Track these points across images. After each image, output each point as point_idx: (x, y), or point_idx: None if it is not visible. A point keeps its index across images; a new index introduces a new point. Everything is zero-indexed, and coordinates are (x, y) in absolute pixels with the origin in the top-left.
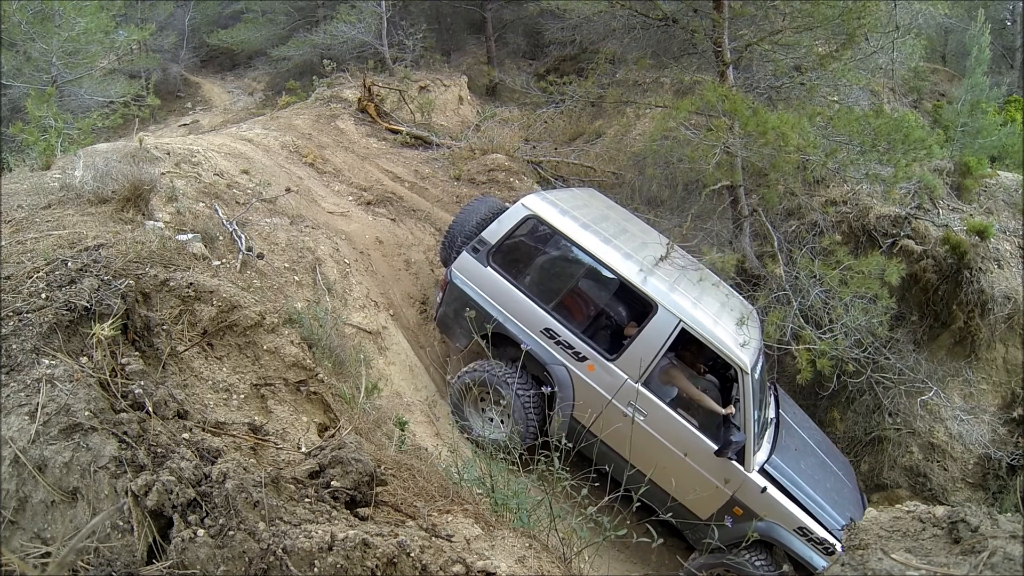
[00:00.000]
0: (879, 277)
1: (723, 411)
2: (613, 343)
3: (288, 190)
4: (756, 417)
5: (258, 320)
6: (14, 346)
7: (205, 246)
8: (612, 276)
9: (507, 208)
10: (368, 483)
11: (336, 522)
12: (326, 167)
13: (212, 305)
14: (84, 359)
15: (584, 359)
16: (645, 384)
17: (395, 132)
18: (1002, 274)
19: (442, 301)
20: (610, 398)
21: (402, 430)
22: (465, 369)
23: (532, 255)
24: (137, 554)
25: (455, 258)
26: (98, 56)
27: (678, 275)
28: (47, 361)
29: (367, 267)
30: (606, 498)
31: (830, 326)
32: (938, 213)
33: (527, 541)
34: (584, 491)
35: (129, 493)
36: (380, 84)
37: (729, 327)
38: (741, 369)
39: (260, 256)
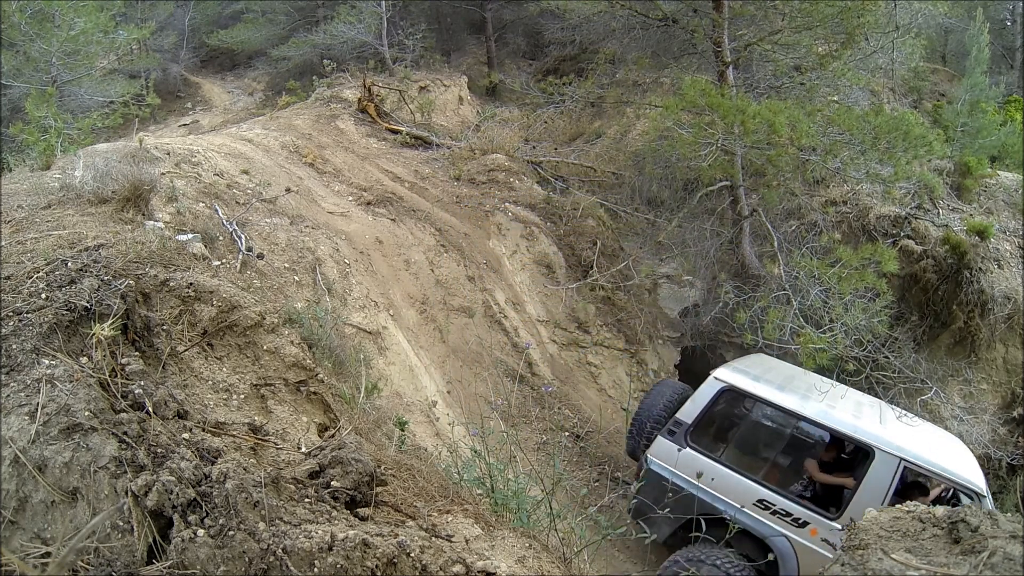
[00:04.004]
0: (875, 270)
1: None
2: (832, 501)
3: (288, 190)
4: None
5: (258, 320)
6: (14, 346)
7: (205, 246)
8: (820, 431)
9: (687, 387)
10: (368, 483)
11: (336, 522)
12: (326, 167)
13: (212, 305)
14: (84, 359)
15: (805, 524)
16: None
17: (395, 132)
18: (1002, 274)
19: (638, 490)
20: None
21: (402, 430)
22: (674, 558)
23: (730, 428)
24: (137, 554)
25: (645, 445)
26: (98, 56)
27: (877, 411)
28: (47, 361)
29: (367, 267)
30: (606, 498)
31: (830, 325)
32: (938, 213)
33: (527, 541)
34: (584, 491)
35: (129, 493)
36: (380, 84)
37: (946, 451)
38: (976, 494)
39: (260, 256)
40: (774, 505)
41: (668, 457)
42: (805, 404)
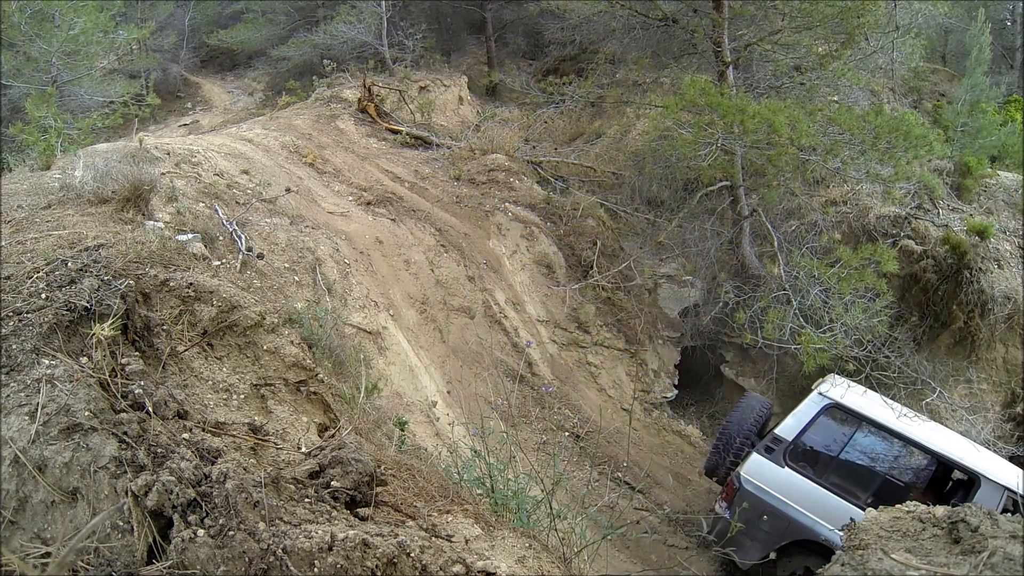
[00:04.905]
0: (875, 270)
1: None
2: None
3: (288, 190)
4: None
5: (258, 320)
6: (14, 346)
7: (205, 246)
8: (927, 455)
9: (770, 403)
10: (368, 483)
11: (336, 522)
12: (326, 167)
13: (212, 305)
14: (84, 359)
15: None
16: None
17: (395, 132)
18: (1002, 274)
19: (728, 511)
20: None
21: (402, 430)
22: None
23: (831, 447)
24: (137, 554)
25: (732, 463)
26: (98, 56)
27: (968, 439)
28: (47, 361)
29: (367, 267)
30: (606, 498)
31: (830, 325)
32: (938, 213)
33: (527, 541)
34: (584, 491)
35: (129, 493)
36: (380, 84)
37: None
38: None
39: (260, 256)
40: None
41: (763, 477)
42: (915, 427)
